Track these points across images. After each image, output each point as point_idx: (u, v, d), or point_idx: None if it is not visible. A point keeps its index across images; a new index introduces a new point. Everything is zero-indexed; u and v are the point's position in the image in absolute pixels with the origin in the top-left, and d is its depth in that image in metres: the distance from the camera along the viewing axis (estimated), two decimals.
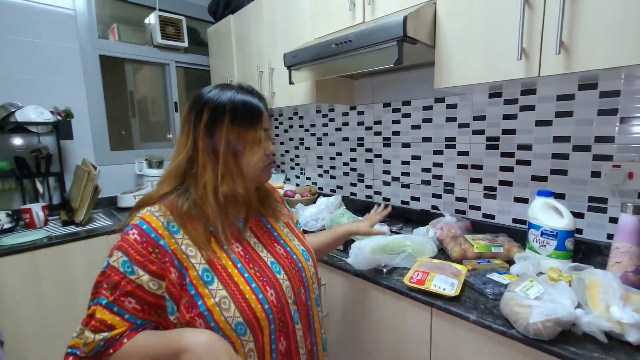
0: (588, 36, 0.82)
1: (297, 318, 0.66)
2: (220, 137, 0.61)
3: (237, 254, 0.63)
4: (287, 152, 2.35)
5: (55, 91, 1.92)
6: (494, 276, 0.96)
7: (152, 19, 2.26)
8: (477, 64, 1.01)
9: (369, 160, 1.81)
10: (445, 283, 0.92)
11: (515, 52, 0.92)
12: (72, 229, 1.68)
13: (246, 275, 0.61)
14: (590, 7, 0.81)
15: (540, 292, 0.78)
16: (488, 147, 1.34)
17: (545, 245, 1.02)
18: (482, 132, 1.35)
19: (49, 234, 1.57)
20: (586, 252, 1.12)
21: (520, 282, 0.84)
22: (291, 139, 2.29)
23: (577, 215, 1.14)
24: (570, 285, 0.81)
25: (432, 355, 0.94)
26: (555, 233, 1.00)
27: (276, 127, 2.40)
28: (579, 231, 1.14)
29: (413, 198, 1.63)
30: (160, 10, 2.26)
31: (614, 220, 1.07)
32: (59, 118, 1.84)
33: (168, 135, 2.56)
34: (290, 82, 1.45)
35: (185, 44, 2.38)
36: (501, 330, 0.76)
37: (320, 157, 2.10)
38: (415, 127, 1.57)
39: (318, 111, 2.05)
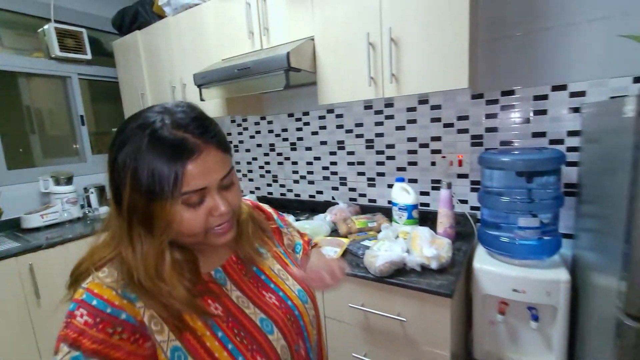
0: (406, 72, 1.21)
1: None
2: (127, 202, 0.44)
3: (217, 318, 0.49)
4: None
5: None
6: (366, 242, 1.32)
7: (47, 31, 2.17)
8: (344, 87, 1.36)
9: (280, 163, 2.09)
10: (330, 251, 1.24)
11: (366, 80, 1.28)
12: None
13: (230, 346, 0.47)
14: (406, 53, 1.20)
15: (386, 247, 1.14)
16: (367, 147, 1.73)
17: (401, 217, 1.43)
18: (362, 135, 1.73)
19: None
20: (432, 219, 1.55)
21: (377, 242, 1.20)
22: None
23: (426, 193, 1.59)
24: (405, 239, 1.19)
25: (324, 302, 1.25)
26: (405, 207, 1.41)
27: None
28: (427, 205, 1.59)
29: (318, 192, 1.96)
30: (56, 21, 2.19)
31: None
32: None
33: (75, 146, 2.46)
34: (202, 99, 1.64)
35: (89, 56, 2.33)
36: (362, 275, 1.11)
37: (238, 162, 2.30)
38: (314, 133, 1.90)
39: (232, 121, 2.25)
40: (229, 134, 2.30)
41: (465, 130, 1.45)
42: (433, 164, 1.55)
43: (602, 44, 1.14)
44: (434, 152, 1.54)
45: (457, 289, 1.06)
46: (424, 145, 1.56)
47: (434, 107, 1.51)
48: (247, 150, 2.23)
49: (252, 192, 2.27)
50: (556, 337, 1.13)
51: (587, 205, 1.12)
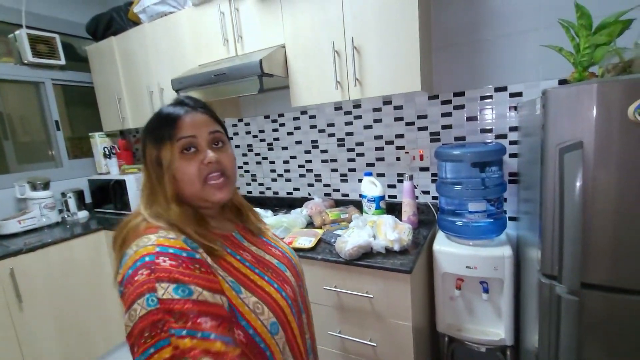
0: (368, 76, 1.35)
1: (302, 308, 0.71)
2: (149, 155, 0.61)
3: (250, 261, 0.64)
4: None
5: None
6: (338, 232, 1.45)
7: (19, 36, 2.17)
8: (314, 90, 1.49)
9: (258, 163, 2.18)
10: (306, 241, 1.36)
11: (333, 84, 1.41)
12: None
13: (266, 277, 0.62)
14: (368, 59, 1.34)
15: (355, 234, 1.27)
16: (339, 145, 1.86)
17: (370, 208, 1.57)
18: (333, 135, 1.86)
19: None
20: (398, 209, 1.71)
21: (347, 231, 1.33)
22: None
23: (392, 186, 1.74)
24: (372, 227, 1.33)
25: None
26: (374, 199, 1.55)
27: None
28: (394, 197, 1.74)
29: (295, 189, 2.07)
30: (28, 27, 2.18)
31: None
32: None
33: (50, 152, 2.45)
34: None
35: (62, 62, 2.34)
36: (334, 260, 1.24)
37: None
38: (290, 133, 2.01)
39: None
40: None
41: (425, 128, 1.61)
42: (398, 159, 1.70)
43: (532, 51, 1.33)
44: (398, 148, 1.69)
45: (416, 267, 1.21)
46: (389, 142, 1.71)
47: (396, 108, 1.66)
48: None
49: None
50: (504, 307, 1.30)
51: (524, 191, 1.30)
